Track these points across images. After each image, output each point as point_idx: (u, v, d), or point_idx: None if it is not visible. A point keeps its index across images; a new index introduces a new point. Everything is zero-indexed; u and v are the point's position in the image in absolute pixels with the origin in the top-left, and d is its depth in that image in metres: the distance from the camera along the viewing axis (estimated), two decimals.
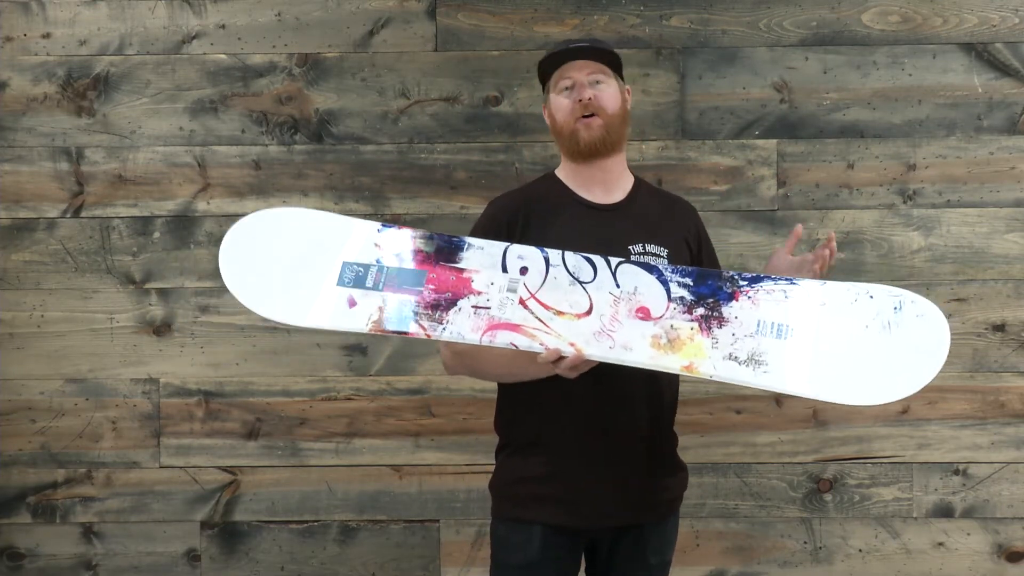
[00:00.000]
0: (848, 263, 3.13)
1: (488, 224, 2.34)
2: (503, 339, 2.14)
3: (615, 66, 2.38)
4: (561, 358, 2.10)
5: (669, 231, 2.35)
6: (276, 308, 2.21)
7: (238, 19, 3.21)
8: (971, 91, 3.15)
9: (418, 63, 3.19)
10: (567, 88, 2.33)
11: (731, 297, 2.18)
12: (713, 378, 2.11)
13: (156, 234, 3.21)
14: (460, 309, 2.18)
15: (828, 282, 2.20)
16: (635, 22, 3.17)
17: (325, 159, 3.19)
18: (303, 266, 2.24)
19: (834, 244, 2.37)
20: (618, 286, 2.18)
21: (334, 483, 3.20)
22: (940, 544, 3.15)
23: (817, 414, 3.15)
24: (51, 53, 3.22)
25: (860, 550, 3.15)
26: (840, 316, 2.16)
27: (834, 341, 2.14)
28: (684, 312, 2.16)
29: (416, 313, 2.18)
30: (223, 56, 3.21)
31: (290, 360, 3.19)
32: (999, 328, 3.14)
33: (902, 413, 3.14)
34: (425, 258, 2.23)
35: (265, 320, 2.26)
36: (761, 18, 3.17)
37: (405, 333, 2.17)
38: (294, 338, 3.18)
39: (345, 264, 2.23)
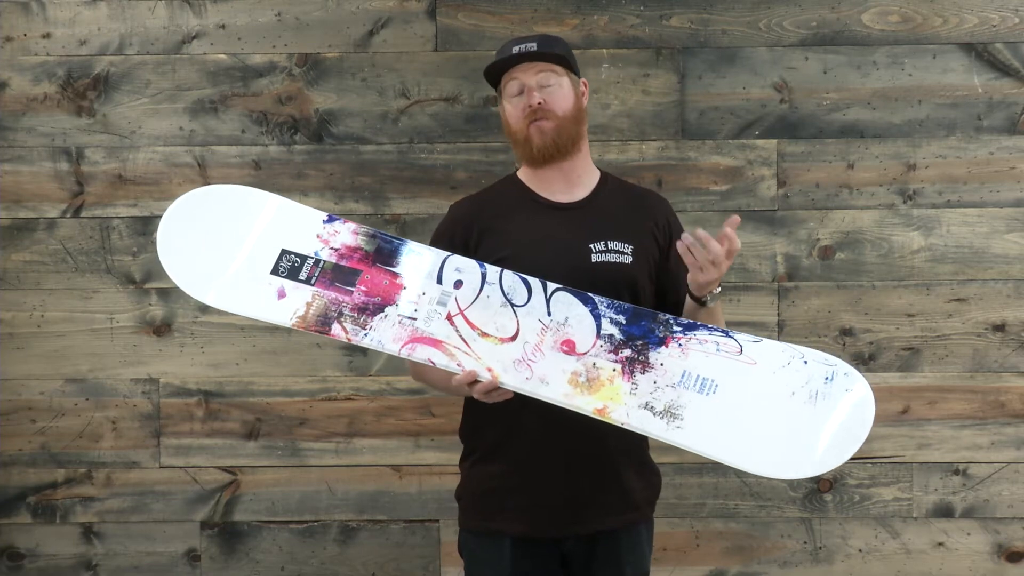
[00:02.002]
0: (848, 263, 3.13)
1: (447, 227, 2.33)
2: (422, 354, 2.11)
3: (566, 62, 2.30)
4: (476, 381, 2.07)
5: (634, 227, 2.29)
6: (208, 290, 2.20)
7: (238, 19, 3.21)
8: (971, 91, 3.15)
9: (418, 63, 3.19)
10: (516, 93, 2.27)
11: (661, 342, 2.11)
12: (623, 425, 2.06)
13: (156, 234, 3.20)
14: (386, 316, 2.15)
15: (765, 340, 2.11)
16: (635, 22, 3.17)
17: (325, 159, 3.19)
18: (243, 247, 2.21)
19: (730, 235, 2.12)
20: (549, 314, 2.13)
21: (334, 483, 3.20)
22: (940, 544, 3.15)
23: None
24: (51, 53, 3.22)
25: (860, 550, 3.15)
26: (769, 378, 2.07)
27: (756, 405, 2.05)
28: (610, 352, 2.10)
29: (341, 314, 2.15)
30: (223, 56, 3.21)
31: (290, 360, 3.19)
32: (999, 328, 3.14)
33: (902, 413, 3.14)
34: (363, 257, 2.20)
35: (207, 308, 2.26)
36: (761, 18, 3.17)
37: (327, 333, 2.15)
38: (294, 338, 3.18)
39: (283, 252, 2.21)
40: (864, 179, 3.15)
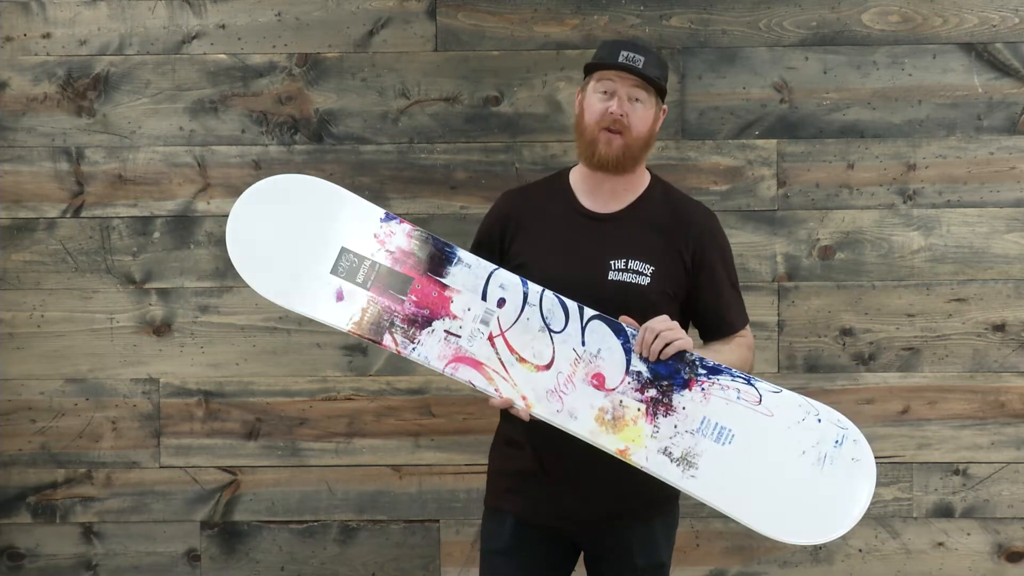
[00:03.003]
0: (848, 263, 3.13)
1: (492, 219, 2.38)
2: (464, 374, 2.21)
3: (662, 89, 2.29)
4: (511, 406, 2.17)
5: (662, 248, 2.26)
6: (274, 287, 2.25)
7: (238, 19, 3.21)
8: (971, 91, 3.15)
9: (418, 63, 3.19)
10: (605, 92, 2.24)
11: (685, 384, 2.17)
12: (642, 468, 2.15)
13: (156, 234, 3.21)
14: (433, 331, 2.22)
15: (784, 391, 2.18)
16: (635, 22, 3.17)
17: (325, 159, 3.19)
18: (305, 242, 2.27)
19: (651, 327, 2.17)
20: (583, 344, 2.19)
21: (334, 483, 3.20)
22: (940, 544, 3.15)
23: None
24: (51, 53, 3.22)
25: (860, 550, 3.16)
26: (783, 433, 2.16)
27: (767, 461, 2.15)
28: (637, 390, 2.17)
29: (393, 324, 2.22)
30: (223, 56, 3.21)
31: (290, 360, 3.19)
32: (999, 328, 3.14)
33: (902, 413, 3.14)
34: (416, 264, 2.25)
35: (260, 301, 2.29)
36: (761, 18, 3.17)
37: (379, 342, 2.21)
38: (294, 338, 3.18)
39: (343, 250, 2.25)
40: (864, 179, 3.15)
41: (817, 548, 3.14)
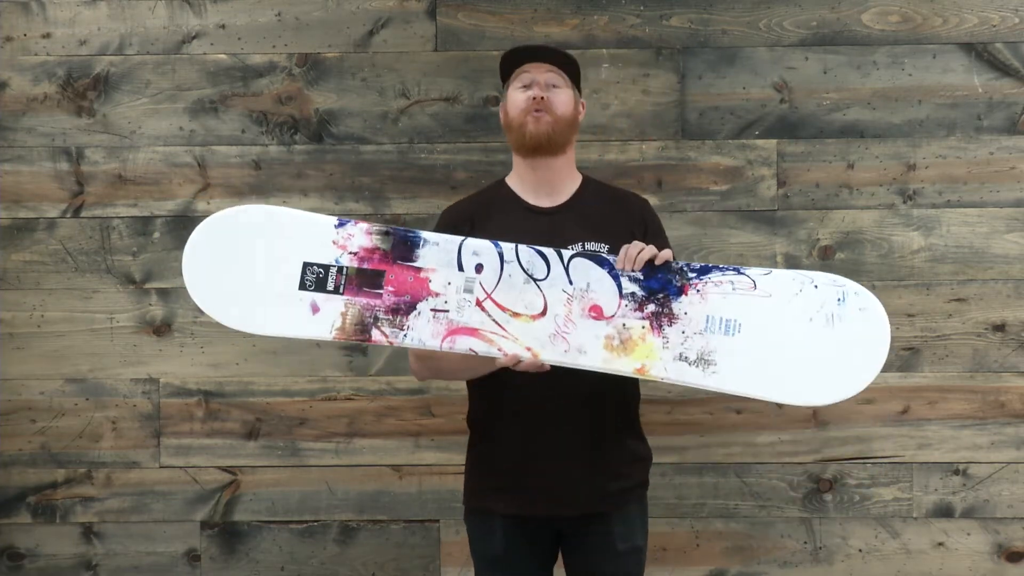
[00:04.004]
0: (848, 263, 3.13)
1: (443, 230, 2.44)
2: (463, 344, 2.20)
3: (574, 77, 2.49)
4: (519, 361, 2.19)
5: (612, 228, 2.41)
6: (239, 316, 2.27)
7: (238, 19, 3.21)
8: (971, 91, 3.15)
9: (418, 63, 3.19)
10: (524, 85, 2.42)
11: (680, 292, 2.22)
12: (664, 380, 2.18)
13: (156, 234, 3.21)
14: (420, 313, 2.22)
15: (774, 271, 2.25)
16: (635, 22, 3.17)
17: (325, 159, 3.20)
18: (264, 268, 2.28)
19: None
20: (571, 283, 2.23)
21: (334, 483, 3.20)
22: (940, 544, 3.15)
23: (817, 414, 3.15)
24: (51, 53, 3.22)
25: (860, 550, 3.16)
26: (786, 308, 2.21)
27: (780, 337, 2.19)
28: (636, 310, 2.21)
29: (377, 319, 2.22)
30: (223, 56, 3.21)
31: (290, 360, 3.19)
32: (999, 328, 3.14)
33: (902, 413, 3.14)
34: (383, 256, 2.26)
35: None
36: (761, 18, 3.17)
37: (368, 340, 2.21)
38: (294, 338, 3.17)
39: (306, 265, 2.26)
40: (864, 179, 3.15)
41: (817, 548, 3.14)
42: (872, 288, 3.12)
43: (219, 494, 3.21)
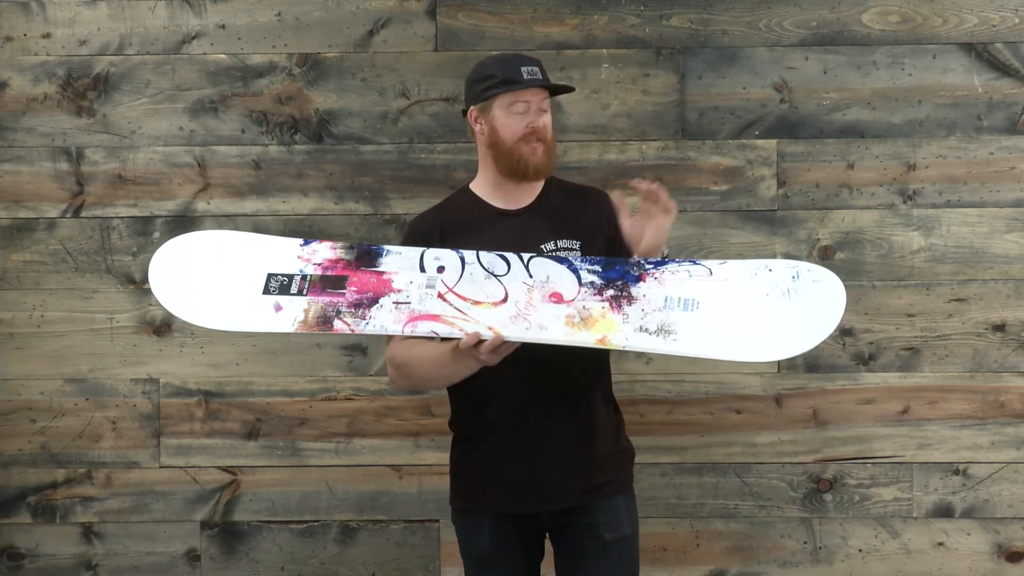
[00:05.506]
0: (848, 263, 3.13)
1: (413, 240, 2.45)
2: (424, 328, 2.22)
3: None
4: (481, 342, 2.17)
5: (581, 224, 2.44)
6: (203, 314, 2.30)
7: (238, 19, 3.21)
8: (971, 91, 3.15)
9: (418, 63, 3.19)
10: (521, 113, 2.39)
11: (638, 279, 2.27)
12: (626, 348, 2.20)
13: (156, 234, 3.21)
14: (382, 306, 2.26)
15: (729, 261, 2.30)
16: (635, 22, 3.17)
17: (325, 159, 3.20)
18: (230, 280, 2.32)
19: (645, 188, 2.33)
20: (531, 276, 2.27)
21: (334, 483, 3.20)
22: (940, 544, 3.15)
23: (817, 414, 3.15)
24: (51, 53, 3.22)
25: (860, 550, 3.15)
26: (742, 288, 2.25)
27: (738, 309, 2.23)
28: (595, 295, 2.25)
29: (339, 312, 2.25)
30: (223, 56, 3.21)
31: (290, 360, 3.19)
32: (999, 328, 3.14)
33: (902, 413, 3.14)
34: (346, 265, 2.32)
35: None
36: (761, 18, 3.17)
37: (330, 329, 2.24)
38: (294, 338, 3.18)
39: (270, 275, 2.32)
40: (864, 179, 3.15)
41: (817, 548, 3.14)
42: (872, 288, 3.14)
43: (219, 494, 3.21)
